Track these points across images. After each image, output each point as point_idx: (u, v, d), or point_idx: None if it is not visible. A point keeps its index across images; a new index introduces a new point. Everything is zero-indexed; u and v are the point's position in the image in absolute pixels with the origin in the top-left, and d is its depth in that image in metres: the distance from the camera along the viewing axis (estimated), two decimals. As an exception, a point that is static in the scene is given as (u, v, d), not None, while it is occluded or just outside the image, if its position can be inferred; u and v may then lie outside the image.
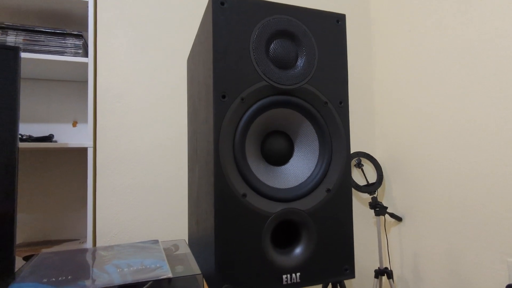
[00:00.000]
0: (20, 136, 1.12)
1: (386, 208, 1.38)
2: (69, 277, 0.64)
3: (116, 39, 1.25)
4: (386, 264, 1.55)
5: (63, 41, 1.11)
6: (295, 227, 0.67)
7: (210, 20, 0.62)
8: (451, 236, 1.22)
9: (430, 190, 1.31)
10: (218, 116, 0.61)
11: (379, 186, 1.47)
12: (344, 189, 0.69)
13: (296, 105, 0.67)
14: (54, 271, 0.68)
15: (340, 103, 0.70)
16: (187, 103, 1.05)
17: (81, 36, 1.13)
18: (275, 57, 0.65)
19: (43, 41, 1.09)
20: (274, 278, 0.63)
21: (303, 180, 0.68)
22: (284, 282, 0.63)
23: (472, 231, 1.15)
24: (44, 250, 1.03)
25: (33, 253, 1.04)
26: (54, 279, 0.63)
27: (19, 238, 1.20)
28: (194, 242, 0.89)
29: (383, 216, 1.57)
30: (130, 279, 0.63)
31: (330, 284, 1.18)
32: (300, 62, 0.67)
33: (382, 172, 1.50)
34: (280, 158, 0.69)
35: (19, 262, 0.95)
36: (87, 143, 1.09)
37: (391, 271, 1.35)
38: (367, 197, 1.60)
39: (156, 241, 0.92)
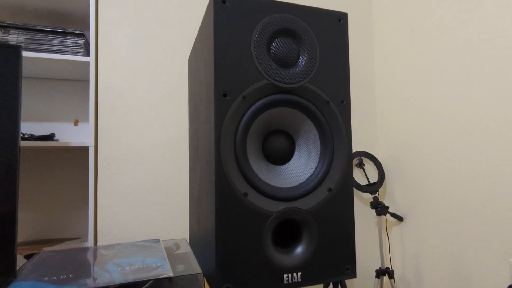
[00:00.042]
0: (21, 135, 1.12)
1: (388, 208, 1.38)
2: (70, 275, 0.64)
3: (118, 38, 1.25)
4: (387, 264, 1.55)
5: (65, 40, 1.11)
6: (296, 226, 0.67)
7: (211, 18, 0.62)
8: (452, 236, 1.22)
9: (432, 190, 1.31)
10: (219, 114, 0.60)
11: (381, 186, 1.47)
12: (346, 188, 0.69)
13: (298, 104, 0.66)
14: (55, 270, 0.68)
15: (342, 102, 0.70)
16: (188, 102, 1.05)
17: (82, 35, 1.13)
18: (277, 55, 0.65)
19: (45, 40, 1.09)
20: (275, 278, 0.62)
21: (304, 179, 0.67)
22: (285, 282, 0.63)
23: (474, 231, 1.14)
24: (45, 249, 1.03)
25: (34, 251, 1.04)
26: (55, 278, 0.63)
27: (20, 237, 1.20)
28: (195, 241, 0.88)
29: (384, 216, 1.56)
30: (131, 278, 0.63)
31: (331, 283, 1.17)
32: (301, 61, 0.67)
33: (383, 172, 1.50)
34: (281, 157, 0.69)
35: (20, 261, 0.95)
36: (89, 142, 1.09)
37: (392, 271, 1.35)
38: (368, 196, 1.60)
39: (157, 240, 0.92)
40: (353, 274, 0.69)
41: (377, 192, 1.46)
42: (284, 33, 0.66)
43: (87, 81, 1.33)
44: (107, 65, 1.23)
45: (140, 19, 1.29)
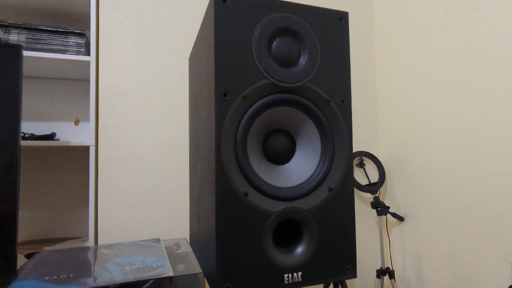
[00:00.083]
0: (22, 134, 1.12)
1: (388, 207, 1.38)
2: (71, 275, 0.64)
3: (118, 38, 1.25)
4: (388, 264, 1.55)
5: (65, 40, 1.11)
6: (296, 226, 0.67)
7: (212, 17, 0.62)
8: (453, 236, 1.22)
9: (433, 190, 1.31)
10: (220, 114, 0.60)
11: (381, 186, 1.46)
12: (346, 188, 0.69)
13: (298, 104, 0.66)
14: (56, 269, 0.68)
15: (343, 101, 0.70)
16: (189, 102, 1.05)
17: (83, 34, 1.13)
18: (277, 55, 0.65)
19: (45, 39, 1.09)
20: (275, 277, 0.62)
21: (305, 179, 0.67)
22: (286, 282, 0.63)
23: (474, 231, 1.14)
24: (46, 248, 1.03)
25: (35, 251, 1.04)
26: (56, 277, 0.63)
27: (21, 236, 1.20)
28: (195, 241, 0.88)
29: (385, 216, 1.56)
30: (131, 277, 0.63)
31: (331, 283, 1.17)
32: (302, 60, 0.67)
33: (384, 172, 1.50)
34: (282, 156, 0.69)
35: (21, 260, 0.96)
36: (89, 141, 1.09)
37: (393, 271, 1.34)
38: (369, 196, 1.60)
39: (157, 240, 0.92)
40: (353, 274, 0.69)
41: (378, 192, 1.46)
42: (284, 32, 0.66)
43: (88, 80, 1.33)
44: (108, 65, 1.23)
45: (140, 19, 1.29)
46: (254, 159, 0.65)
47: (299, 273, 0.64)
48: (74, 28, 1.15)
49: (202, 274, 0.70)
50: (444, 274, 1.26)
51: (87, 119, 1.31)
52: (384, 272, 1.35)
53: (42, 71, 1.20)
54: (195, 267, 0.73)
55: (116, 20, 1.25)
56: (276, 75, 0.64)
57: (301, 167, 0.69)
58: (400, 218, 1.45)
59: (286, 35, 0.66)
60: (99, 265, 0.71)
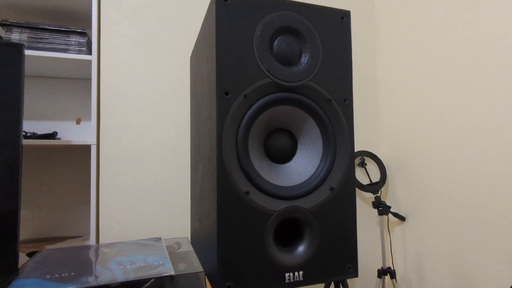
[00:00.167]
0: (24, 133, 1.12)
1: (390, 207, 1.38)
2: (72, 273, 0.65)
3: (120, 37, 1.25)
4: (389, 264, 1.54)
5: (67, 39, 1.11)
6: (298, 225, 0.67)
7: (214, 16, 0.62)
8: (454, 236, 1.21)
9: (434, 189, 1.30)
10: (221, 113, 0.60)
11: (383, 186, 1.46)
12: (348, 187, 0.69)
13: (300, 102, 0.66)
14: (57, 268, 0.68)
15: (344, 100, 0.70)
16: (190, 101, 1.05)
17: (85, 33, 1.13)
18: (279, 53, 0.65)
19: (47, 38, 1.09)
20: (276, 276, 0.62)
21: (306, 178, 0.67)
22: (287, 281, 0.63)
23: (476, 231, 1.13)
24: (48, 247, 1.03)
25: (36, 249, 1.04)
26: (57, 276, 0.63)
27: (23, 235, 1.21)
28: (196, 240, 0.88)
29: (386, 216, 1.56)
30: (132, 276, 0.63)
31: (332, 283, 1.17)
32: (304, 59, 0.66)
33: (385, 172, 1.49)
34: (283, 155, 0.69)
35: (22, 259, 0.96)
36: (91, 140, 1.09)
37: (394, 270, 1.34)
38: (370, 196, 1.59)
39: (158, 239, 0.92)
40: (355, 274, 0.68)
41: (379, 192, 1.46)
42: (286, 31, 0.66)
43: (89, 79, 1.33)
44: (109, 64, 1.23)
45: (141, 19, 1.29)
46: (255, 158, 0.65)
47: (300, 272, 0.64)
48: (76, 27, 1.15)
49: (203, 273, 0.70)
50: (445, 274, 1.26)
51: (88, 118, 1.31)
52: (385, 272, 1.35)
53: (43, 70, 1.20)
54: (196, 266, 0.73)
55: (117, 19, 1.25)
56: (277, 74, 0.64)
57: (303, 166, 0.69)
58: (401, 218, 1.45)
59: (288, 33, 0.66)
60: (101, 263, 0.71)
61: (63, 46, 1.11)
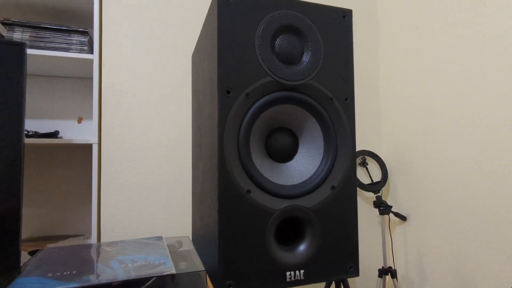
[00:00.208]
0: (25, 132, 1.12)
1: (391, 207, 1.37)
2: (74, 272, 0.65)
3: (121, 36, 1.25)
4: (390, 263, 1.54)
5: (69, 38, 1.11)
6: (299, 224, 0.67)
7: (215, 15, 0.62)
8: (456, 235, 1.21)
9: (435, 189, 1.30)
10: (223, 111, 0.60)
11: (384, 185, 1.46)
12: (349, 186, 0.69)
13: (301, 101, 0.66)
14: (59, 266, 0.68)
15: (346, 99, 0.70)
16: (192, 99, 1.05)
17: (86, 32, 1.13)
18: (281, 52, 0.65)
19: (49, 37, 1.10)
20: (277, 275, 0.62)
21: (307, 177, 0.67)
22: (288, 279, 0.63)
23: (477, 231, 1.13)
24: (49, 245, 1.04)
25: (38, 248, 1.05)
26: (59, 274, 0.64)
27: (25, 233, 1.21)
28: (197, 239, 0.89)
29: (387, 215, 1.55)
30: (134, 274, 0.63)
31: (333, 282, 1.17)
32: (305, 58, 0.66)
33: (387, 171, 1.49)
34: (284, 154, 0.69)
35: (24, 257, 0.96)
36: (92, 139, 1.10)
37: (395, 270, 1.34)
38: (371, 196, 1.59)
39: (160, 238, 0.92)
40: (355, 273, 0.68)
41: (380, 191, 1.46)
42: (288, 30, 0.66)
43: (91, 78, 1.33)
44: (111, 63, 1.23)
45: (142, 18, 1.29)
46: (256, 156, 0.65)
47: (301, 271, 0.64)
48: (77, 26, 1.16)
49: (204, 271, 0.70)
50: (446, 273, 1.25)
51: (90, 117, 1.31)
52: (386, 272, 1.35)
53: (45, 69, 1.20)
54: (198, 265, 0.73)
55: (118, 18, 1.26)
56: (279, 72, 0.64)
57: (304, 165, 0.69)
58: (403, 218, 1.45)
59: (289, 32, 0.66)
60: (102, 262, 0.71)
61: (64, 45, 1.11)
